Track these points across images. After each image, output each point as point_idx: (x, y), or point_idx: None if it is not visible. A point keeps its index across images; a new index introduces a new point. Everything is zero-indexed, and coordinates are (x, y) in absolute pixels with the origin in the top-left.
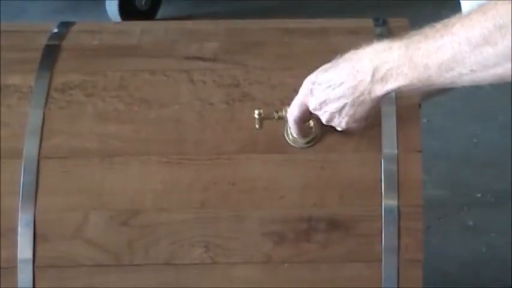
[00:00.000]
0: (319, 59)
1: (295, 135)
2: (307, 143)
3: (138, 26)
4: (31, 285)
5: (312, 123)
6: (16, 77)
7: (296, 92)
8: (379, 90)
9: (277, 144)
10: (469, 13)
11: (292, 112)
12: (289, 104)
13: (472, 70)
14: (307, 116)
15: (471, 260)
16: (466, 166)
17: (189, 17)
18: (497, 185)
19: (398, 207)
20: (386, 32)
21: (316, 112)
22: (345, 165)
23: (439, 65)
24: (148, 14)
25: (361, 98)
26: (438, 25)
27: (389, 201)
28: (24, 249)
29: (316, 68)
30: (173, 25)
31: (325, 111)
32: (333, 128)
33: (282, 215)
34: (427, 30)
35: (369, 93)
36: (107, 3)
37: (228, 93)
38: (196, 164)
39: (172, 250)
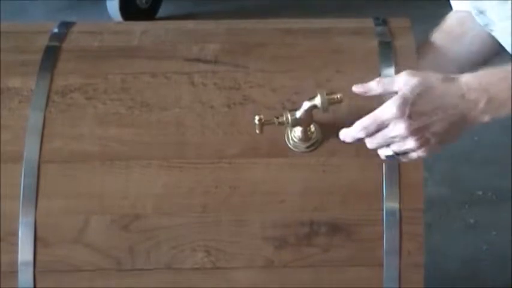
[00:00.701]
0: (320, 61)
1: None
2: (308, 147)
3: (138, 27)
4: None
5: (313, 127)
6: (17, 79)
7: (297, 94)
8: (488, 117)
9: (279, 148)
10: None
11: (368, 128)
12: (289, 107)
13: None
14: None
15: (472, 258)
16: (467, 164)
17: (190, 16)
18: (498, 182)
19: (400, 211)
20: (387, 31)
21: (406, 136)
22: (346, 169)
23: None
24: (149, 13)
25: (461, 123)
26: None
27: (390, 206)
28: (24, 253)
29: (317, 70)
30: (174, 25)
31: (421, 137)
32: (334, 133)
33: (283, 219)
34: None
35: (475, 120)
36: (108, 1)
37: (228, 96)
38: (197, 168)
39: (173, 254)
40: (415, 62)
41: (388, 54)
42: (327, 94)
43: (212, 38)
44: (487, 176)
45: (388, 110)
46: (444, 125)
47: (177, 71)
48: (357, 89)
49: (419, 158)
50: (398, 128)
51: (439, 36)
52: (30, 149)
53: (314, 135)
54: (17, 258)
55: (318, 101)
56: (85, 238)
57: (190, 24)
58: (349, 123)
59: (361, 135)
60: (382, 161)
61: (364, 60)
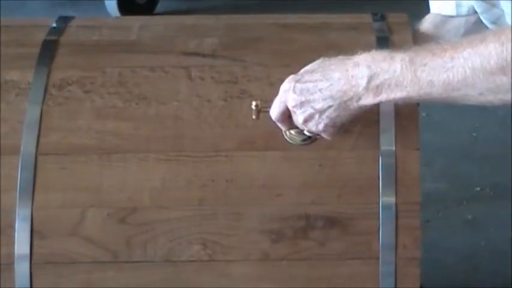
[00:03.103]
0: (317, 55)
1: (293, 133)
2: (305, 140)
3: (136, 22)
4: (28, 282)
5: None
6: (14, 73)
7: None
8: (371, 99)
9: (275, 141)
10: (482, 38)
11: (273, 110)
12: None
13: (480, 94)
14: (287, 114)
15: (470, 254)
16: (466, 160)
17: (188, 11)
18: (497, 179)
19: (396, 204)
20: (385, 27)
21: (294, 110)
22: (342, 162)
23: (446, 84)
24: (147, 8)
25: (349, 103)
26: (445, 44)
27: (387, 199)
28: (21, 246)
29: None
30: (172, 20)
31: (305, 111)
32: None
33: (280, 212)
34: (433, 47)
35: (359, 99)
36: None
37: (226, 90)
38: (195, 161)
39: (170, 247)
40: None
41: (386, 49)
42: None
43: (210, 32)
44: (485, 172)
45: (282, 86)
46: (327, 101)
47: (174, 65)
48: None
49: (314, 135)
50: (287, 100)
51: (415, 37)
52: (27, 142)
53: None
54: (13, 250)
55: None
56: (82, 231)
57: (188, 19)
58: None
59: (274, 118)
60: (379, 154)
61: None
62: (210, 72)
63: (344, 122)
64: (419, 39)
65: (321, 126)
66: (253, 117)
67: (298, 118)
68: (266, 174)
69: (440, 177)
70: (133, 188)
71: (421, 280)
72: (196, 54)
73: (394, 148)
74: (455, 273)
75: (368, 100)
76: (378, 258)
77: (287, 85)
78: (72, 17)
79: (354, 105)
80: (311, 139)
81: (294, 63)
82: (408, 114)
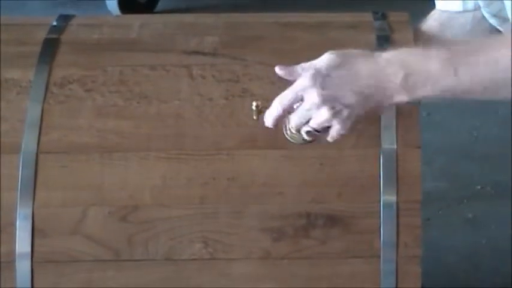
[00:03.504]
0: (318, 54)
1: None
2: (306, 139)
3: (137, 20)
4: (29, 280)
5: None
6: (15, 71)
7: None
8: (405, 96)
9: (277, 140)
10: None
11: (282, 102)
12: None
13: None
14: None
15: (471, 252)
16: (466, 159)
17: (189, 10)
18: (497, 177)
19: (397, 203)
20: (385, 25)
21: (318, 106)
22: (343, 161)
23: (485, 83)
24: (148, 7)
25: (381, 100)
26: (477, 42)
27: (388, 198)
28: (22, 244)
29: None
30: (172, 18)
31: (333, 107)
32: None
33: (281, 211)
34: (467, 45)
35: (391, 97)
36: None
37: (227, 89)
38: (196, 159)
39: (171, 245)
40: None
41: (387, 48)
42: None
43: (211, 31)
44: (486, 171)
45: (301, 80)
46: (358, 97)
47: (175, 64)
48: (279, 71)
49: (338, 134)
50: (311, 96)
51: (419, 35)
52: (29, 141)
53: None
54: (14, 248)
55: None
56: (83, 229)
57: (189, 17)
58: None
59: (279, 110)
60: (380, 152)
61: None
62: (211, 71)
63: (370, 117)
64: (424, 36)
65: (348, 122)
66: (254, 117)
67: (321, 114)
68: (267, 173)
69: (440, 176)
70: (135, 187)
71: (421, 278)
72: (197, 52)
73: (395, 146)
74: (455, 271)
75: (401, 98)
76: (379, 257)
77: (309, 81)
78: (73, 16)
79: (386, 102)
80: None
81: (294, 61)
82: (409, 112)
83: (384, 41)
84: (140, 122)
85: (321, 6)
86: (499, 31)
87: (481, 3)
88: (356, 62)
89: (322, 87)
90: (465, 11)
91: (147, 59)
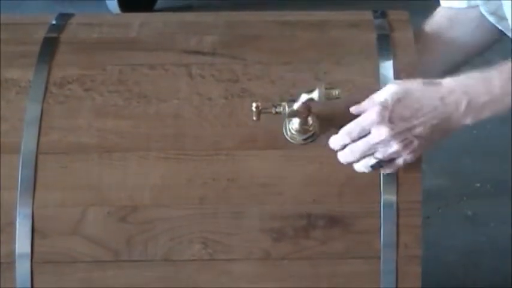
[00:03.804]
0: (318, 53)
1: (294, 131)
2: (306, 139)
3: (137, 19)
4: (29, 280)
5: (310, 119)
6: (15, 71)
7: (296, 86)
8: (472, 119)
9: (276, 140)
10: None
11: (351, 135)
12: (288, 99)
13: None
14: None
15: (471, 250)
16: (466, 157)
17: (188, 8)
18: (497, 175)
19: (397, 203)
20: (386, 24)
21: (388, 140)
22: None
23: None
24: (148, 5)
25: (448, 126)
26: None
27: (388, 198)
28: (22, 245)
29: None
30: (172, 17)
31: (404, 139)
32: (332, 125)
33: (281, 211)
34: None
35: (458, 122)
36: None
37: (226, 88)
38: (195, 159)
39: (170, 246)
40: (414, 55)
41: (387, 47)
42: (326, 88)
43: (210, 30)
44: (485, 169)
45: (368, 116)
46: (426, 127)
47: (175, 63)
48: (354, 110)
49: (405, 163)
50: (381, 132)
51: (427, 31)
52: (28, 141)
53: (312, 128)
54: (14, 249)
55: (315, 94)
56: (82, 229)
57: (188, 16)
58: (347, 117)
59: (346, 140)
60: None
61: (362, 53)
62: (210, 70)
63: (437, 140)
64: (427, 36)
65: (417, 153)
66: (254, 118)
67: (391, 148)
68: (267, 173)
69: (440, 174)
70: (134, 187)
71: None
72: (197, 52)
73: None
74: (455, 269)
75: (469, 120)
76: (379, 257)
77: (377, 117)
78: (72, 14)
79: (453, 128)
80: (312, 138)
81: (294, 61)
82: None
83: (384, 40)
84: (139, 122)
85: (320, 5)
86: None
87: (479, 2)
88: (418, 92)
89: (391, 122)
90: (470, 7)
91: (146, 58)
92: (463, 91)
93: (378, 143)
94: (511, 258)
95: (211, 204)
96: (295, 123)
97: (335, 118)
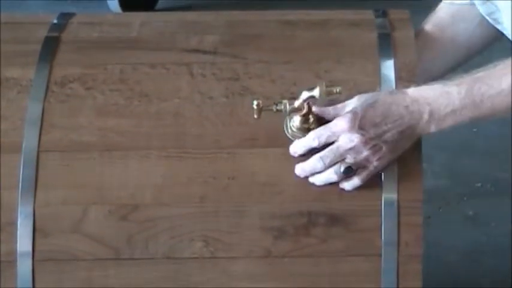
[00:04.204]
0: (319, 52)
1: (295, 130)
2: None
3: (137, 18)
4: (30, 279)
5: (311, 117)
6: (16, 70)
7: (296, 85)
8: (434, 128)
9: (277, 138)
10: None
11: (320, 139)
12: (288, 98)
13: None
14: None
15: (471, 250)
16: (466, 156)
17: (189, 7)
18: (497, 174)
19: (398, 201)
20: (387, 23)
21: (359, 146)
22: None
23: (504, 108)
24: (149, 4)
25: (413, 134)
26: (492, 71)
27: (389, 196)
28: (23, 243)
29: (316, 61)
30: (173, 17)
31: (374, 145)
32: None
33: (282, 209)
34: (484, 73)
35: (423, 130)
36: None
37: (227, 87)
38: (196, 158)
39: (171, 244)
40: (414, 54)
41: (388, 46)
42: (326, 86)
43: (211, 29)
44: (486, 168)
45: (340, 123)
46: (394, 134)
47: (176, 62)
48: (318, 111)
49: (375, 169)
50: (352, 138)
51: (429, 27)
52: (29, 140)
53: (313, 126)
54: (15, 248)
55: (316, 92)
56: (84, 228)
57: (189, 15)
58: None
59: (313, 144)
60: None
61: (363, 52)
62: (211, 69)
63: (404, 148)
64: (427, 36)
65: (386, 158)
66: (255, 116)
67: (362, 154)
68: (268, 172)
69: (441, 173)
70: (135, 185)
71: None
72: (198, 51)
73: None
74: (456, 269)
75: (431, 129)
76: (380, 255)
77: (348, 123)
78: (73, 14)
79: (416, 135)
80: None
81: (295, 60)
82: None
83: (385, 39)
84: (141, 121)
85: (321, 5)
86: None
87: (476, 2)
88: (386, 100)
89: (361, 128)
90: (471, 4)
91: (147, 57)
92: (426, 102)
93: (348, 150)
94: (511, 257)
95: (212, 202)
96: (296, 121)
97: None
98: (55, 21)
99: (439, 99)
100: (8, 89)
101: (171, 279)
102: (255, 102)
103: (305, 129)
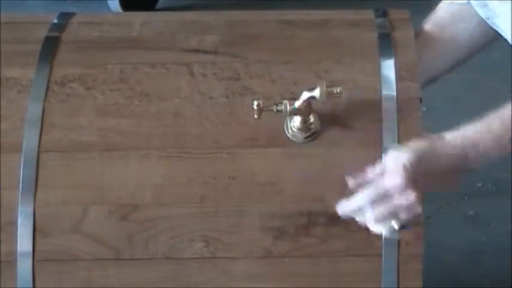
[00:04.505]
0: (319, 52)
1: (295, 130)
2: (307, 137)
3: (138, 18)
4: (30, 279)
5: (312, 118)
6: (16, 70)
7: (297, 85)
8: (474, 165)
9: (277, 138)
10: None
11: (371, 198)
12: (289, 98)
13: None
14: None
15: (472, 250)
16: None
17: (189, 7)
18: (498, 174)
19: None
20: (387, 23)
21: (413, 203)
22: (345, 159)
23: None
24: (149, 4)
25: (457, 171)
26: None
27: None
28: (23, 243)
29: (316, 61)
30: (173, 16)
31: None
32: (334, 123)
33: (282, 209)
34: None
35: (467, 168)
36: None
37: (228, 87)
38: (196, 158)
39: (171, 244)
40: (415, 54)
41: (388, 46)
42: (327, 86)
43: (212, 29)
44: (486, 168)
45: (392, 179)
46: (440, 181)
47: (176, 62)
48: (351, 182)
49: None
50: (408, 196)
51: (428, 27)
52: (29, 139)
53: (313, 126)
54: (16, 248)
55: (317, 92)
56: (84, 228)
57: (189, 15)
58: (348, 115)
59: (362, 205)
60: (382, 151)
61: (363, 52)
62: (211, 69)
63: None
64: (427, 36)
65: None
66: (255, 116)
67: (417, 209)
68: (268, 172)
69: None
70: (135, 185)
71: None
72: (198, 51)
73: (397, 145)
74: (456, 269)
75: (477, 165)
76: (380, 255)
77: (403, 180)
78: (73, 14)
79: (464, 171)
80: (313, 136)
81: (295, 59)
82: (411, 111)
83: (385, 39)
84: (141, 121)
85: (321, 4)
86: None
87: (474, 4)
88: (431, 149)
89: (415, 183)
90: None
91: (147, 57)
92: (470, 144)
93: (403, 206)
94: (511, 257)
95: (212, 202)
96: (296, 121)
97: (337, 116)
98: (55, 21)
99: (480, 143)
100: (8, 88)
101: (171, 279)
102: (255, 103)
103: (305, 129)
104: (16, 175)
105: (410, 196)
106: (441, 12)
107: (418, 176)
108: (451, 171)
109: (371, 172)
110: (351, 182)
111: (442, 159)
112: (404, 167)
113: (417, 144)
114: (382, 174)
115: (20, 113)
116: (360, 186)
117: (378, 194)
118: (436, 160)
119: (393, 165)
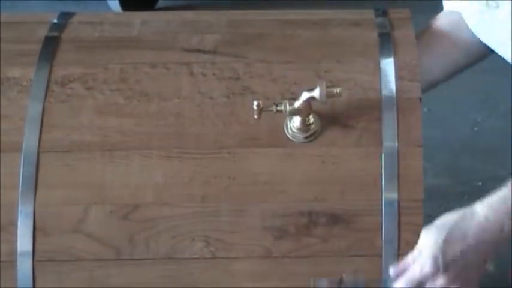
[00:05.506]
0: (319, 52)
1: (295, 130)
2: (307, 137)
3: (138, 17)
4: (31, 279)
5: (312, 118)
6: (16, 69)
7: (297, 85)
8: (504, 242)
9: (278, 138)
10: None
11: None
12: (289, 97)
13: None
14: None
15: None
16: (467, 155)
17: (190, 7)
18: (498, 173)
19: (399, 201)
20: (387, 22)
21: (453, 280)
22: (345, 159)
23: None
24: (149, 3)
25: (493, 248)
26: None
27: (389, 196)
28: (23, 243)
29: (317, 61)
30: (174, 16)
31: (459, 274)
32: (334, 123)
33: (283, 209)
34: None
35: (504, 241)
36: None
37: (228, 87)
38: (197, 158)
39: (172, 244)
40: (415, 53)
41: (388, 45)
42: (327, 87)
43: (212, 29)
44: (487, 167)
45: (422, 268)
46: (477, 256)
47: (176, 62)
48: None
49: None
50: (440, 281)
51: (429, 33)
52: (30, 139)
53: (313, 126)
54: (16, 247)
55: (316, 93)
56: (85, 228)
57: (190, 15)
58: (348, 115)
59: None
60: (382, 151)
61: (363, 51)
62: (212, 69)
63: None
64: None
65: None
66: (255, 116)
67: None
68: (269, 171)
69: (441, 172)
70: (136, 185)
71: None
72: (198, 50)
73: (396, 145)
74: None
75: (502, 243)
76: (381, 255)
77: (432, 267)
78: (74, 13)
79: (501, 244)
80: (313, 136)
81: (296, 59)
82: (411, 110)
83: (386, 38)
84: (141, 120)
85: (321, 4)
86: None
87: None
88: (459, 228)
89: (446, 269)
90: None
91: (147, 56)
92: (504, 214)
93: None
94: (511, 257)
95: (213, 202)
96: (296, 121)
97: (337, 116)
98: (55, 20)
99: (503, 215)
100: (8, 88)
101: (172, 279)
102: (255, 103)
103: (305, 129)
104: (16, 175)
105: (440, 283)
106: (441, 20)
107: (448, 259)
108: (486, 246)
109: (406, 260)
110: (391, 271)
111: (472, 236)
112: (432, 253)
113: (443, 222)
114: (413, 261)
115: (20, 112)
116: (399, 275)
117: (412, 284)
118: (466, 238)
119: (422, 250)
